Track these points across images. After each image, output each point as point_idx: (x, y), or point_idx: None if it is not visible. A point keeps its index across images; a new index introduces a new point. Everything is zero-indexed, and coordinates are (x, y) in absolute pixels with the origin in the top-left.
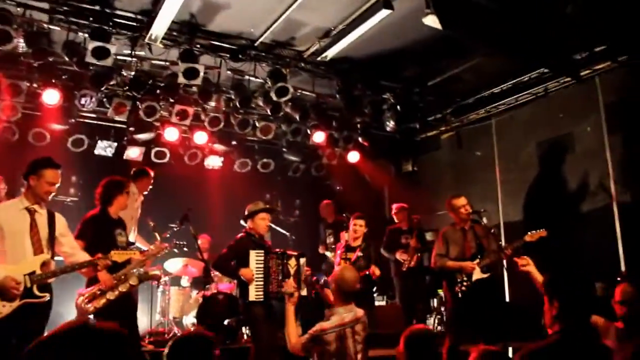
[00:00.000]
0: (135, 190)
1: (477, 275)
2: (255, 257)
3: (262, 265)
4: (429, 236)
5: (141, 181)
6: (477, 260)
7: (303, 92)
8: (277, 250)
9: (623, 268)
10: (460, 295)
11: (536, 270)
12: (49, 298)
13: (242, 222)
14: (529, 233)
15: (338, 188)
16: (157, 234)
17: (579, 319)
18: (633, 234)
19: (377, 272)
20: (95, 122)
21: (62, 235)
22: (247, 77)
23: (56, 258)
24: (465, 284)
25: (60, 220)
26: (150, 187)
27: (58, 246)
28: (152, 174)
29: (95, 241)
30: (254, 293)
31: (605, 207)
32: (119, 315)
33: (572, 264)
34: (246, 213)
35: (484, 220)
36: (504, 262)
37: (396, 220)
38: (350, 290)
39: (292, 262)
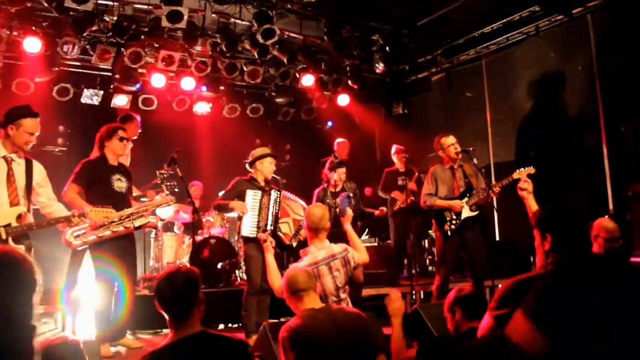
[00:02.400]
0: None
1: (466, 213)
2: (252, 196)
3: (257, 204)
4: (423, 178)
5: (128, 127)
6: (466, 199)
7: (290, 34)
8: (273, 188)
9: (611, 207)
10: (449, 233)
11: (533, 198)
12: (24, 249)
13: (247, 166)
14: (517, 171)
15: (328, 125)
16: (164, 185)
17: (573, 251)
18: (621, 174)
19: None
20: (79, 70)
21: (40, 185)
22: (232, 20)
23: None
24: (454, 222)
25: (37, 169)
26: (139, 131)
27: (35, 196)
28: (138, 118)
29: (91, 185)
30: (248, 228)
31: (595, 146)
32: (118, 253)
33: (560, 202)
34: (251, 158)
35: (474, 159)
36: (493, 200)
37: (395, 161)
38: (318, 226)
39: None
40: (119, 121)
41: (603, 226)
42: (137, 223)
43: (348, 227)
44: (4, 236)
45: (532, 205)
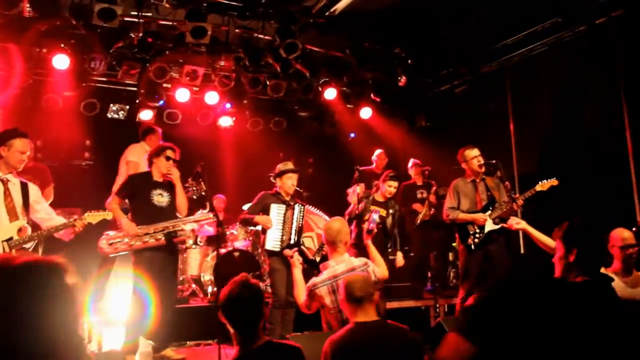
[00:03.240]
0: (148, 148)
1: (490, 227)
2: (276, 210)
3: (281, 218)
4: (442, 190)
5: (150, 139)
6: (489, 212)
7: (312, 48)
8: (296, 203)
9: (638, 218)
10: (473, 247)
11: (530, 227)
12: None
13: (272, 179)
14: (540, 183)
15: (351, 136)
16: (207, 202)
17: (597, 266)
18: None
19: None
20: (106, 85)
21: (37, 202)
22: (255, 35)
23: None
24: (477, 236)
25: (33, 189)
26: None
27: (33, 213)
28: (159, 131)
29: (132, 199)
30: (271, 242)
31: (620, 156)
32: (153, 267)
33: (584, 213)
34: (275, 172)
35: (499, 171)
36: (517, 212)
37: (411, 176)
38: (335, 240)
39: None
40: (141, 134)
41: (618, 236)
42: (168, 237)
43: (368, 241)
44: (7, 250)
45: (533, 232)
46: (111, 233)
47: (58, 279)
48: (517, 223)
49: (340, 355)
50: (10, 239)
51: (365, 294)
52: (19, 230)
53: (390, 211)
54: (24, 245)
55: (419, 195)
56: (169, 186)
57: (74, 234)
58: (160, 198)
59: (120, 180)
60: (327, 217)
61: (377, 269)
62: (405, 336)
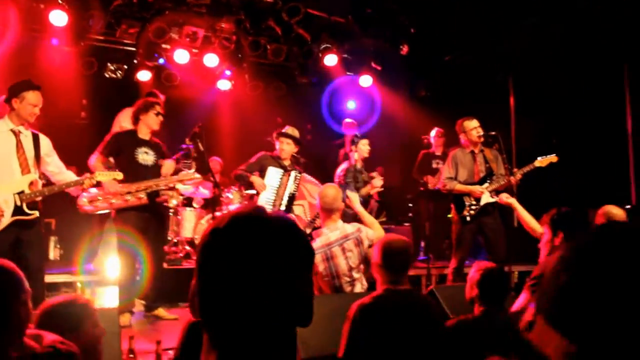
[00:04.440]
0: None
1: (486, 199)
2: (272, 173)
3: (277, 182)
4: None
5: None
6: (486, 185)
7: (315, 13)
8: (293, 170)
9: (633, 196)
10: (468, 218)
11: (519, 204)
12: (38, 215)
13: (274, 137)
14: (539, 158)
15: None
16: (194, 162)
17: None
18: None
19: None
20: (104, 44)
21: (48, 155)
22: None
23: None
24: (473, 207)
25: (44, 141)
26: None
27: (44, 165)
28: (162, 97)
29: (116, 157)
30: (263, 205)
31: (620, 135)
32: (139, 226)
33: (580, 192)
34: (278, 131)
35: (499, 142)
36: (514, 186)
37: (433, 143)
38: (332, 207)
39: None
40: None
41: (607, 212)
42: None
43: (358, 208)
44: (18, 203)
45: (521, 211)
46: (92, 190)
47: None
48: (506, 197)
49: (367, 322)
50: (22, 192)
51: (407, 263)
52: (31, 183)
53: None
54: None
55: (434, 165)
56: (155, 145)
57: (83, 190)
58: (145, 156)
59: None
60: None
61: (371, 231)
62: (433, 310)
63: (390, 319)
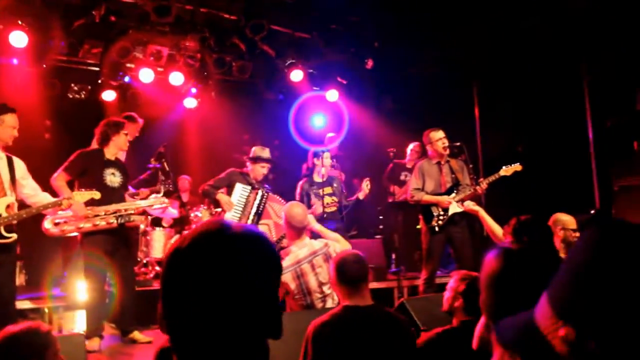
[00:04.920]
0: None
1: (454, 209)
2: (240, 190)
3: (243, 200)
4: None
5: (130, 127)
6: (453, 195)
7: (279, 29)
8: (261, 188)
9: (597, 201)
10: (436, 229)
11: (484, 212)
12: (16, 237)
13: (246, 160)
14: (504, 167)
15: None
16: (160, 184)
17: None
18: (606, 169)
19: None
20: (66, 65)
21: (23, 178)
22: (221, 14)
23: None
24: (441, 217)
25: (19, 164)
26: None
27: (20, 188)
28: (140, 121)
29: (82, 177)
30: None
31: (582, 142)
32: (107, 248)
33: (546, 198)
34: (252, 155)
35: (464, 154)
36: (480, 196)
37: (407, 156)
38: (302, 225)
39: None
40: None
41: (557, 219)
42: (121, 221)
43: (316, 226)
44: None
45: (486, 219)
46: (60, 213)
47: None
48: (473, 204)
49: (322, 341)
50: None
51: (361, 274)
52: (7, 206)
53: (335, 185)
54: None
55: (402, 177)
56: (121, 166)
57: (60, 210)
58: (112, 178)
59: None
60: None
61: (338, 245)
62: (399, 325)
63: (347, 336)
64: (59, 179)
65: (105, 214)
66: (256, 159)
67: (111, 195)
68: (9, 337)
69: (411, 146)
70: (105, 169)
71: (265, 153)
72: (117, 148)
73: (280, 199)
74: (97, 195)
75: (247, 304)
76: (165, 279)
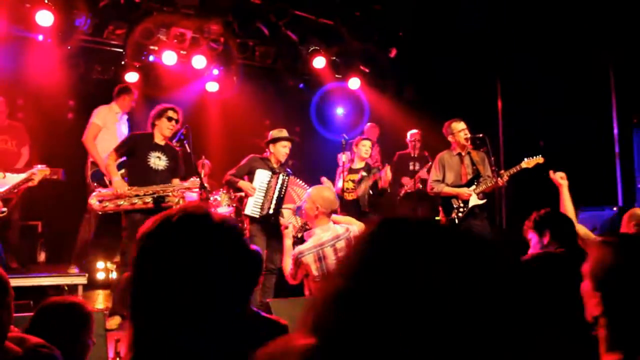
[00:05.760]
0: (117, 109)
1: (474, 201)
2: (261, 176)
3: (265, 185)
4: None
5: (122, 99)
6: (474, 187)
7: (303, 15)
8: (281, 172)
9: (620, 199)
10: (456, 221)
11: (567, 191)
12: (5, 210)
13: (265, 146)
14: (526, 160)
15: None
16: (202, 172)
17: (570, 242)
18: (631, 167)
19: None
20: (91, 45)
21: None
22: None
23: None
24: (461, 210)
25: None
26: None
27: None
28: (135, 92)
29: (130, 157)
30: (251, 208)
31: (607, 138)
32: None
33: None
34: (269, 138)
35: (487, 145)
36: (502, 188)
37: (409, 145)
38: (332, 208)
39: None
40: (115, 93)
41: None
42: (157, 201)
43: (288, 242)
44: None
45: (566, 197)
46: (103, 191)
47: None
48: (561, 177)
49: None
50: None
51: None
52: None
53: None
54: None
55: (410, 167)
56: (170, 151)
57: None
58: (157, 161)
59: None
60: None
61: (355, 228)
62: None
63: None
64: (109, 158)
65: (144, 194)
66: (276, 140)
67: (154, 177)
68: (51, 305)
69: (409, 136)
70: (151, 152)
71: (283, 133)
72: (160, 132)
73: (302, 182)
74: (46, 172)
75: (211, 292)
76: (146, 247)
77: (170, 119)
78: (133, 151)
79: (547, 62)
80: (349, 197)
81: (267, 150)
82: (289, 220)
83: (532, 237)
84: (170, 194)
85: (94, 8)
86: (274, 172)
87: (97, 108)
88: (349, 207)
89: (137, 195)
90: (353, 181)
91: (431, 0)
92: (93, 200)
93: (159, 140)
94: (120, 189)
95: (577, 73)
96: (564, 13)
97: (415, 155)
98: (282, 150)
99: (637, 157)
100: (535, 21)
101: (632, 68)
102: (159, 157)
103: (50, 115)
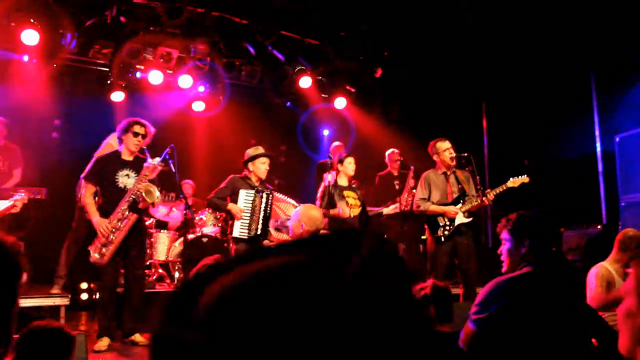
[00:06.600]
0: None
1: (460, 219)
2: (245, 196)
3: (250, 205)
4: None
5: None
6: (460, 205)
7: (289, 35)
8: (264, 190)
9: (604, 216)
10: (442, 239)
11: None
12: None
13: (243, 164)
14: (512, 179)
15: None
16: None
17: (550, 254)
18: (614, 185)
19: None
20: (77, 64)
21: None
22: (232, 18)
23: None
24: (447, 228)
25: None
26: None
27: None
28: (151, 130)
29: (100, 182)
30: (239, 230)
31: (590, 157)
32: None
33: (553, 213)
34: (246, 157)
35: (472, 164)
36: (487, 207)
37: (387, 166)
38: (315, 228)
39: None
40: (127, 125)
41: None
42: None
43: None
44: None
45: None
46: (93, 246)
47: None
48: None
49: None
50: None
51: None
52: None
53: (358, 192)
54: None
55: (396, 187)
56: (138, 164)
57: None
58: (126, 179)
59: None
60: (293, 202)
61: None
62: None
63: None
64: (87, 194)
65: (122, 216)
66: (254, 157)
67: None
68: (34, 331)
69: (390, 156)
70: (119, 171)
71: (260, 150)
72: (127, 148)
73: (284, 196)
74: (25, 200)
75: None
76: None
77: (136, 134)
78: (103, 175)
79: (530, 82)
80: (354, 213)
81: (245, 169)
82: (276, 237)
83: (506, 239)
84: (135, 193)
85: (80, 27)
86: (257, 191)
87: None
88: (355, 222)
89: (119, 220)
90: (354, 198)
91: (416, 20)
92: (95, 258)
93: (126, 156)
94: (102, 228)
95: (561, 92)
96: (547, 32)
97: (397, 174)
98: (261, 167)
99: (619, 174)
100: (519, 41)
101: (615, 86)
102: (127, 175)
103: (35, 134)
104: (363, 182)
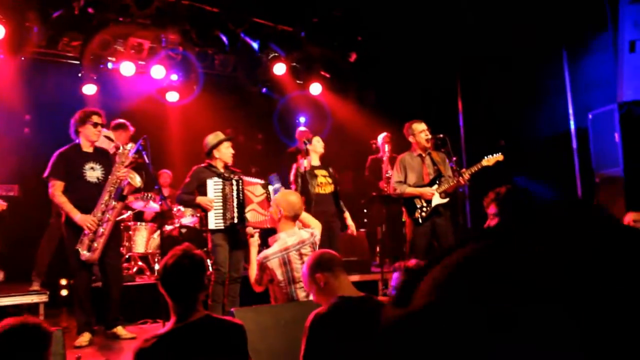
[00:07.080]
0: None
1: (437, 200)
2: (213, 186)
3: (220, 194)
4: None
5: (119, 134)
6: (436, 186)
7: (262, 22)
8: (233, 176)
9: (579, 193)
10: (420, 221)
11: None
12: None
13: (210, 155)
14: (486, 158)
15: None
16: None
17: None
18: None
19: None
20: (46, 58)
21: None
22: (203, 7)
23: None
24: (425, 209)
25: None
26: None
27: None
28: (131, 128)
29: (66, 177)
30: (214, 221)
31: (564, 135)
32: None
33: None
34: (209, 146)
35: (448, 145)
36: (465, 187)
37: (380, 149)
38: (298, 213)
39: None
40: (112, 127)
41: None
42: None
43: (254, 251)
44: None
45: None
46: (83, 242)
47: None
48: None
49: (321, 328)
50: None
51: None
52: None
53: (331, 171)
54: None
55: (385, 174)
56: (100, 156)
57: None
58: (92, 173)
59: None
60: (260, 181)
61: (317, 231)
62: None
63: (347, 327)
64: (57, 192)
65: (102, 214)
66: (218, 144)
67: (97, 192)
68: (10, 327)
69: (380, 139)
70: (84, 164)
71: (220, 135)
72: (86, 140)
73: (253, 178)
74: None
75: None
76: None
77: (95, 124)
78: (67, 169)
79: (505, 61)
80: (324, 191)
81: (207, 158)
82: (254, 221)
83: (495, 213)
84: (115, 182)
85: (47, 19)
86: (225, 179)
87: None
88: (327, 200)
89: (103, 213)
90: (325, 176)
91: (390, 4)
92: (85, 255)
93: (86, 147)
94: (89, 223)
95: (534, 70)
96: (519, 9)
97: (386, 161)
98: (227, 151)
99: (593, 151)
100: (493, 20)
101: (586, 63)
102: (92, 167)
103: (5, 130)
104: (342, 168)
